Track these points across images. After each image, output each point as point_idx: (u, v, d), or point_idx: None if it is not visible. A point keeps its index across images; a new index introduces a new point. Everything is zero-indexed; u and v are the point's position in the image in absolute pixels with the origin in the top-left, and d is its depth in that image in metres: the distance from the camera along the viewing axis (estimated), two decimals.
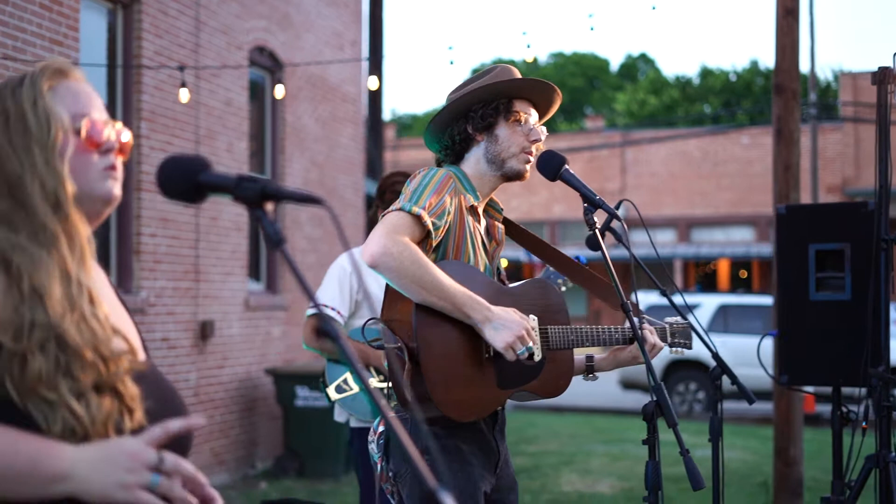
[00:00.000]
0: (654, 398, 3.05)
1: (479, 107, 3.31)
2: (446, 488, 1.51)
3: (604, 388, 15.60)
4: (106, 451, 1.63)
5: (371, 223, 4.47)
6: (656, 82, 49.81)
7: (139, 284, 8.77)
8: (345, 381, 4.51)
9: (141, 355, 1.84)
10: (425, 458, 3.02)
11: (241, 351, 10.25)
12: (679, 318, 3.64)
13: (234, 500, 8.76)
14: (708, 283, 33.68)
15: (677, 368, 15.99)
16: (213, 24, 9.82)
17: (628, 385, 16.34)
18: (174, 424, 1.68)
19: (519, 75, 3.38)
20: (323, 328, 1.58)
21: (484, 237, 3.33)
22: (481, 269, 3.25)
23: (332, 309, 4.54)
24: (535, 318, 3.21)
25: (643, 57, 56.69)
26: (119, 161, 1.90)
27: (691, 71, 76.67)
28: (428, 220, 3.06)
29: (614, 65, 56.75)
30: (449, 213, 3.14)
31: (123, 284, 8.74)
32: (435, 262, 3.08)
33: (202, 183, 1.76)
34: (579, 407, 16.48)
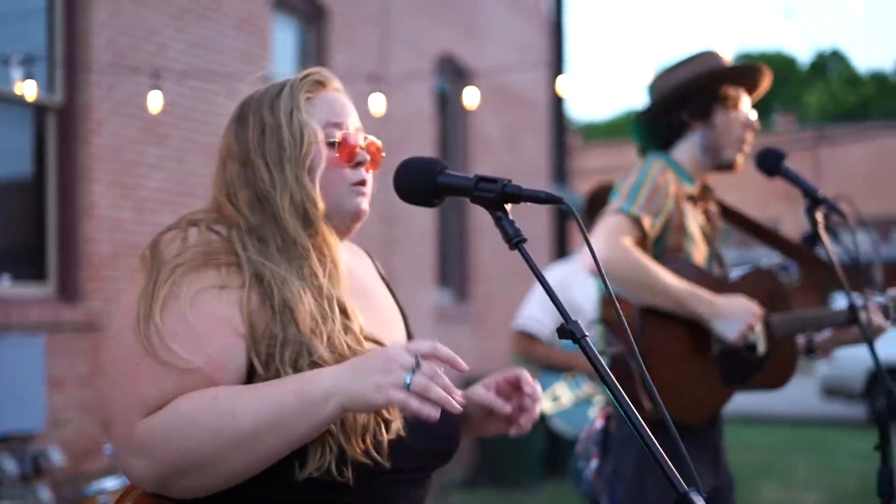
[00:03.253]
0: (886, 399, 2.84)
1: (696, 93, 3.19)
2: (696, 491, 1.48)
3: (801, 395, 14.99)
4: (363, 359, 1.61)
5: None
6: (849, 78, 48.03)
7: None
8: (556, 393, 4.41)
9: None
10: (647, 456, 2.96)
11: None
12: None
13: None
14: None
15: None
16: (401, 35, 9.89)
17: (831, 392, 15.60)
18: (443, 351, 1.64)
19: (727, 60, 3.26)
20: (564, 330, 1.49)
21: (702, 224, 3.26)
22: (702, 256, 3.20)
23: (537, 321, 4.49)
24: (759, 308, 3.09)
25: (835, 54, 54.74)
26: (370, 175, 1.90)
27: (887, 65, 73.63)
28: (646, 220, 3.02)
29: (802, 62, 55.02)
30: (667, 208, 3.08)
31: None
32: (655, 258, 3.03)
33: (440, 185, 1.73)
34: (774, 416, 15.86)
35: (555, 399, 4.39)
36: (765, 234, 3.55)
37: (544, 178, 13.04)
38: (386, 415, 1.71)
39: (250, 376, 1.67)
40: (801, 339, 3.33)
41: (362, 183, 1.87)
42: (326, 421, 1.59)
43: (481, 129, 11.43)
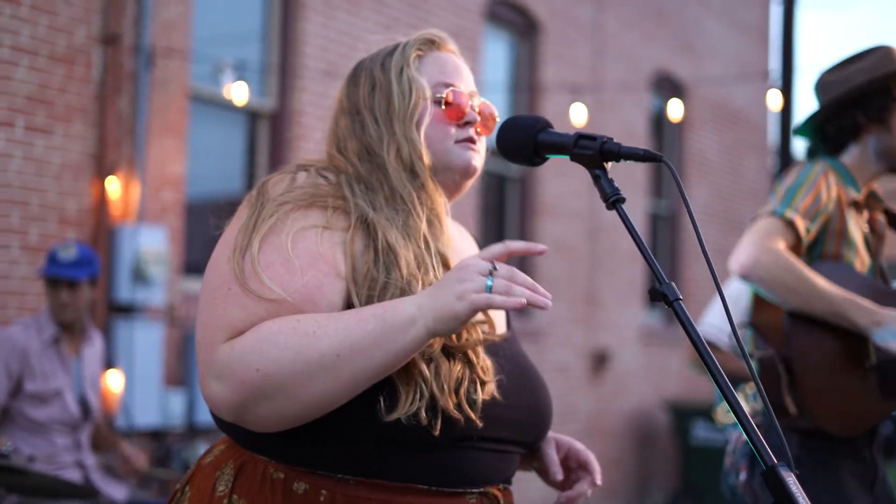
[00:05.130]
0: None
1: (872, 94, 3.00)
2: (787, 467, 1.44)
3: None
4: (441, 279, 1.61)
5: None
6: None
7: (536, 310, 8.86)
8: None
9: (499, 329, 1.81)
10: (796, 468, 2.81)
11: (636, 382, 10.07)
12: None
13: None
14: None
15: None
16: (614, 50, 9.81)
17: None
18: (515, 243, 1.62)
19: None
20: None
21: (866, 232, 3.06)
22: (864, 267, 3.02)
23: (717, 328, 4.34)
24: None
25: None
26: (482, 137, 1.90)
27: None
28: (801, 224, 2.88)
29: None
30: (825, 213, 2.93)
31: (522, 309, 8.86)
32: (810, 264, 2.88)
33: (541, 142, 1.70)
34: None
35: (730, 411, 4.22)
36: None
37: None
38: (482, 375, 1.68)
39: None
40: None
41: (471, 140, 1.85)
42: (410, 347, 1.57)
43: (699, 148, 11.18)
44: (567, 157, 1.65)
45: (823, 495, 2.84)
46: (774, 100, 6.60)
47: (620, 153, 1.60)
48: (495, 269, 1.56)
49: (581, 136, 1.63)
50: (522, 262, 8.90)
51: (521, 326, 8.82)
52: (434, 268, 1.72)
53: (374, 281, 1.66)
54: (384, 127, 1.80)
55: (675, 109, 6.99)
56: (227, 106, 6.60)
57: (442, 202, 1.81)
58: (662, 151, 10.93)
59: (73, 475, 4.40)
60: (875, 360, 2.85)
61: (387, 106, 1.81)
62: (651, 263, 1.52)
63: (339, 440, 1.64)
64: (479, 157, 1.86)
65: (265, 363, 1.57)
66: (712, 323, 4.56)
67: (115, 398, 5.74)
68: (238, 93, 6.24)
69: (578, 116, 6.49)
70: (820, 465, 2.87)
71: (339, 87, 1.92)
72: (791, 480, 1.41)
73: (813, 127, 3.15)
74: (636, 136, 10.14)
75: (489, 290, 1.53)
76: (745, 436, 1.44)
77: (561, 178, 8.80)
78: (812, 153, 3.17)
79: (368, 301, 1.64)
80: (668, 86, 10.73)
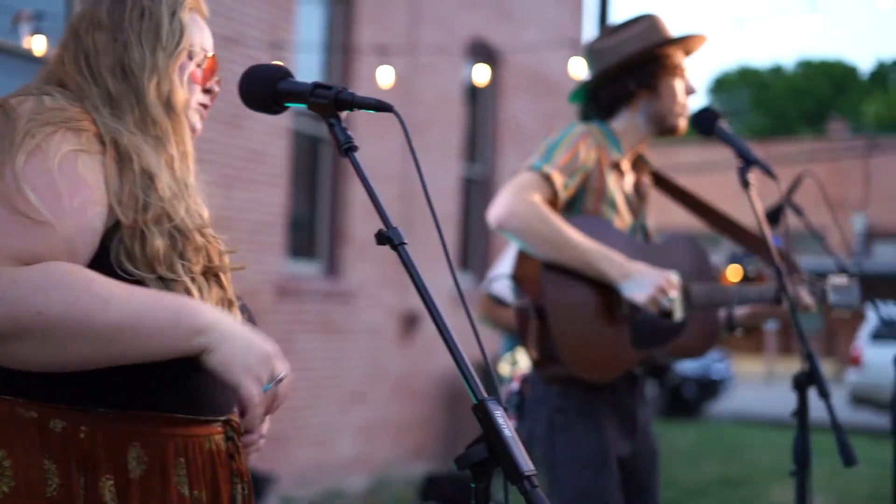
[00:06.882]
0: (807, 367, 2.81)
1: (644, 62, 3.15)
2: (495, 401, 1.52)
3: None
4: (247, 334, 1.68)
5: None
6: None
7: (347, 271, 8.91)
8: (516, 357, 4.38)
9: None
10: (558, 416, 2.97)
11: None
12: (843, 279, 3.38)
13: None
14: None
15: None
16: (430, 16, 9.88)
17: (860, 400, 15.37)
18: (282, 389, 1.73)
19: (667, 26, 3.22)
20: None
21: (629, 193, 3.19)
22: (625, 225, 3.17)
23: (505, 285, 4.44)
24: (677, 275, 3.03)
25: None
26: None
27: None
28: (558, 179, 3.00)
29: (863, 72, 54.26)
30: (583, 171, 3.06)
31: (332, 271, 8.90)
32: (568, 219, 3.01)
33: (280, 90, 1.75)
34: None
35: (514, 364, 4.37)
36: (702, 209, 3.50)
37: None
38: (233, 297, 1.79)
39: (105, 248, 1.67)
40: (722, 313, 3.29)
41: (206, 107, 1.93)
42: (184, 351, 1.62)
43: (513, 117, 11.39)
44: (304, 106, 1.70)
45: (584, 441, 3.00)
46: (578, 68, 6.78)
47: (354, 102, 1.67)
48: (281, 381, 1.69)
49: (318, 86, 1.69)
50: (334, 222, 8.92)
51: (330, 287, 8.86)
52: (185, 199, 1.75)
53: (136, 201, 1.68)
54: (149, 55, 1.80)
55: (481, 75, 7.10)
56: (28, 57, 6.37)
57: (189, 140, 1.85)
58: (477, 118, 11.13)
59: None
60: (626, 311, 3.00)
61: (154, 38, 1.81)
62: (378, 208, 1.58)
63: (96, 372, 1.65)
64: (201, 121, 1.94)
65: (49, 310, 1.56)
66: (499, 278, 4.66)
67: None
68: (37, 44, 6.04)
69: (386, 79, 6.52)
70: (581, 412, 3.02)
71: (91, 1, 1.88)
72: (499, 413, 1.49)
73: (587, 93, 3.29)
74: (451, 101, 10.26)
75: (265, 392, 1.65)
76: (458, 365, 1.52)
77: (374, 142, 8.84)
78: (585, 117, 3.32)
79: (134, 223, 1.67)
80: (483, 52, 10.88)
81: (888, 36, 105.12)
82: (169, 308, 1.62)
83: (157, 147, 1.76)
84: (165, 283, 1.67)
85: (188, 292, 1.69)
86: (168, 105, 1.80)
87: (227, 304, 1.77)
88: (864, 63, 76.91)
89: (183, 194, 1.75)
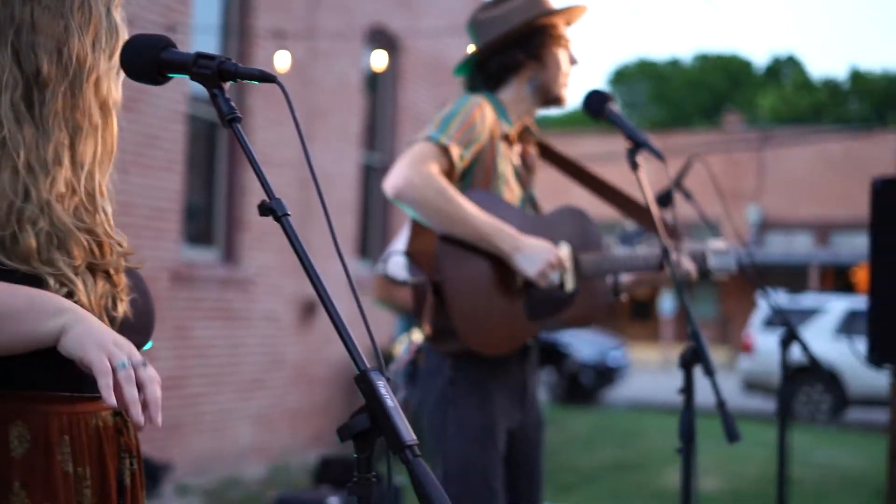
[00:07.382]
0: (692, 345, 2.89)
1: (531, 33, 3.19)
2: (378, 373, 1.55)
3: (722, 389, 15.12)
4: (102, 324, 1.64)
5: None
6: (802, 83, 48.55)
7: (245, 258, 8.82)
8: (412, 338, 4.39)
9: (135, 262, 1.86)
10: (450, 388, 3.00)
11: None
12: (721, 243, 3.52)
13: None
14: (846, 290, 32.49)
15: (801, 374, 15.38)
16: (329, 2, 9.82)
17: (752, 386, 15.77)
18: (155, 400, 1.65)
19: None
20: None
21: (517, 165, 3.22)
22: (515, 197, 3.19)
23: (400, 266, 4.44)
24: (568, 246, 3.09)
25: (790, 59, 55.29)
26: None
27: (839, 72, 74.57)
28: (455, 150, 3.00)
29: (758, 66, 55.55)
30: (479, 142, 3.06)
31: (229, 257, 8.80)
32: (462, 191, 3.00)
33: (163, 60, 1.70)
34: (696, 408, 15.95)
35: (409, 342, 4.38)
36: (586, 179, 3.55)
37: None
38: (121, 293, 1.75)
39: None
40: (609, 280, 3.35)
41: None
42: (42, 335, 1.60)
43: (413, 103, 11.39)
44: (187, 77, 1.67)
45: (473, 415, 3.03)
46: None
47: (237, 73, 1.64)
48: (142, 363, 1.61)
49: (200, 56, 1.66)
50: (231, 208, 8.82)
51: (228, 274, 8.76)
52: (84, 193, 1.75)
53: (12, 199, 1.66)
54: (90, 51, 1.76)
55: (379, 61, 7.09)
56: None
57: (114, 138, 1.83)
58: (377, 105, 11.09)
59: None
60: (521, 284, 3.03)
61: (94, 35, 1.77)
62: (261, 179, 1.57)
63: None
64: None
65: None
66: (394, 258, 4.65)
67: None
68: None
69: (283, 63, 6.47)
70: (473, 386, 3.04)
71: None
72: (382, 384, 1.49)
73: (473, 63, 3.30)
74: (350, 87, 10.22)
75: (121, 368, 1.58)
76: (337, 328, 1.52)
77: (272, 128, 8.76)
78: (472, 89, 3.32)
79: (6, 222, 1.65)
80: (382, 39, 10.86)
81: (783, 31, 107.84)
82: (26, 294, 1.61)
83: (79, 137, 1.74)
84: (42, 276, 1.65)
85: (70, 283, 1.67)
86: (104, 103, 1.78)
87: (113, 299, 1.74)
88: (760, 58, 78.61)
89: (81, 189, 1.74)
